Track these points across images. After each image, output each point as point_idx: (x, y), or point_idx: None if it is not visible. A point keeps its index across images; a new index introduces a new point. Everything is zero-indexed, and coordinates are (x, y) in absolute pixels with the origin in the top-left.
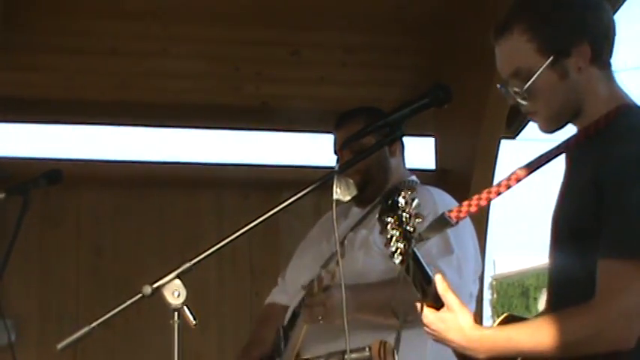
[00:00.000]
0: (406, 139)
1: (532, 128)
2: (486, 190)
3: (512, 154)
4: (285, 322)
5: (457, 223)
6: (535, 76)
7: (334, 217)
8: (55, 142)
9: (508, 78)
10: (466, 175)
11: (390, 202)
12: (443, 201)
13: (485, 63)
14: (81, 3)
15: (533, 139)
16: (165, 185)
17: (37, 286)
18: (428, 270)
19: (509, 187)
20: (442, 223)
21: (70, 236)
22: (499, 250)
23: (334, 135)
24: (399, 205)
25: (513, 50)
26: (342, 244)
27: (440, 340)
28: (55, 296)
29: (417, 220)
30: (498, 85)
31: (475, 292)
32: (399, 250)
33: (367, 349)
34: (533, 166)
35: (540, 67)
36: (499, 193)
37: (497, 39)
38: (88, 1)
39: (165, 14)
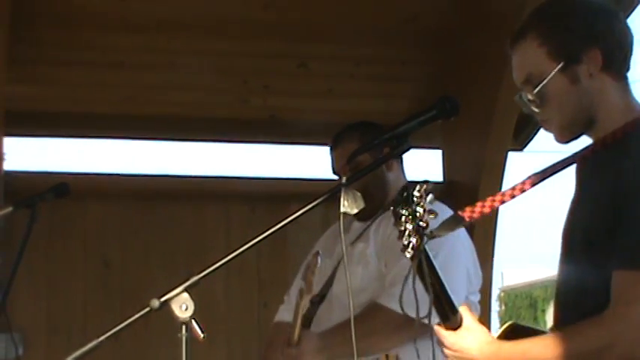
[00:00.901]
0: (414, 152)
1: (539, 140)
2: (500, 193)
3: (519, 166)
4: None
5: (469, 222)
6: (546, 80)
7: (342, 229)
8: (61, 155)
9: (522, 85)
10: (474, 187)
11: (405, 194)
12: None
13: (492, 75)
14: (87, 16)
15: (540, 151)
16: (173, 198)
17: (45, 299)
18: (440, 274)
19: (523, 190)
20: (455, 221)
21: (78, 250)
22: (507, 262)
23: (331, 156)
24: (414, 198)
25: (525, 56)
26: (338, 262)
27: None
28: (63, 309)
29: (430, 215)
30: (516, 96)
31: (476, 301)
32: (410, 245)
33: None
34: (547, 173)
35: (551, 71)
36: (513, 197)
37: (513, 47)
38: (94, 15)
39: (172, 27)
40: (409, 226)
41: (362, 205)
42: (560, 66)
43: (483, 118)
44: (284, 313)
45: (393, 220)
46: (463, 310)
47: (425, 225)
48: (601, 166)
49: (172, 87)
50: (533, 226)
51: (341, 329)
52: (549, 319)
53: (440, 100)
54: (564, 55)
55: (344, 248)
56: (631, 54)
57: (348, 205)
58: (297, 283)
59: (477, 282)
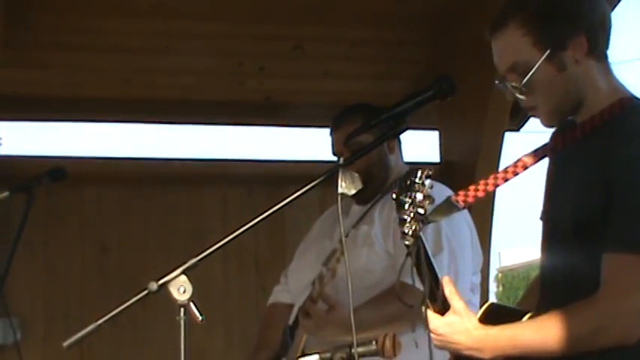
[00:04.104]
0: (411, 133)
1: (536, 121)
2: (493, 176)
3: (516, 146)
4: (291, 321)
5: (464, 207)
6: (533, 70)
7: (340, 210)
8: (58, 139)
9: (505, 73)
10: (470, 167)
11: (407, 182)
12: (441, 192)
13: (488, 56)
14: (83, 0)
15: (537, 132)
16: (170, 182)
17: (43, 284)
18: (433, 262)
19: (516, 173)
20: (449, 207)
21: (75, 234)
22: (504, 242)
23: (331, 137)
24: (416, 185)
25: (509, 45)
26: (340, 241)
27: (445, 344)
28: (61, 294)
29: (427, 202)
30: (497, 81)
31: (477, 282)
32: (410, 232)
33: (374, 342)
34: (539, 154)
35: (537, 61)
36: (506, 180)
37: (493, 34)
38: None
39: (168, 10)
40: (411, 214)
41: (360, 186)
42: (546, 55)
43: (480, 99)
44: (280, 294)
45: (394, 207)
46: (451, 295)
47: (423, 212)
48: (587, 150)
49: (168, 70)
50: (530, 205)
51: (376, 306)
52: None
53: (437, 80)
54: (550, 43)
55: (342, 230)
56: (610, 32)
57: (346, 186)
58: (295, 266)
59: (478, 261)
